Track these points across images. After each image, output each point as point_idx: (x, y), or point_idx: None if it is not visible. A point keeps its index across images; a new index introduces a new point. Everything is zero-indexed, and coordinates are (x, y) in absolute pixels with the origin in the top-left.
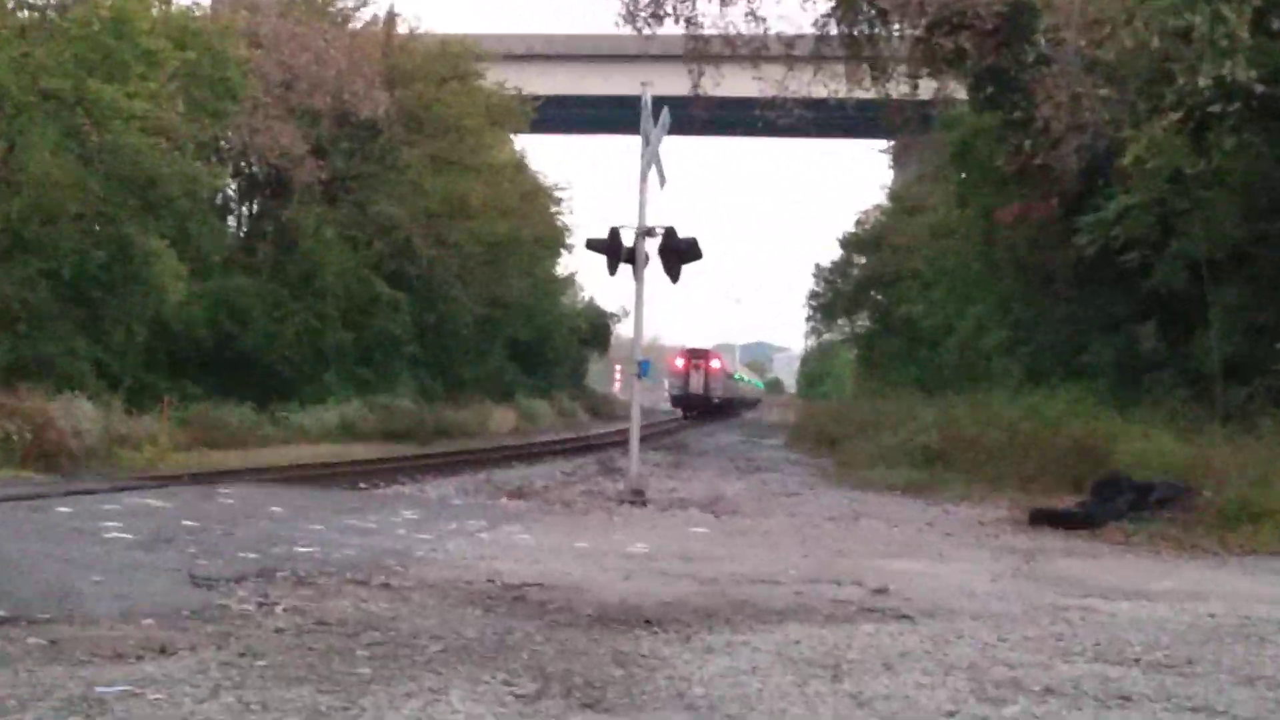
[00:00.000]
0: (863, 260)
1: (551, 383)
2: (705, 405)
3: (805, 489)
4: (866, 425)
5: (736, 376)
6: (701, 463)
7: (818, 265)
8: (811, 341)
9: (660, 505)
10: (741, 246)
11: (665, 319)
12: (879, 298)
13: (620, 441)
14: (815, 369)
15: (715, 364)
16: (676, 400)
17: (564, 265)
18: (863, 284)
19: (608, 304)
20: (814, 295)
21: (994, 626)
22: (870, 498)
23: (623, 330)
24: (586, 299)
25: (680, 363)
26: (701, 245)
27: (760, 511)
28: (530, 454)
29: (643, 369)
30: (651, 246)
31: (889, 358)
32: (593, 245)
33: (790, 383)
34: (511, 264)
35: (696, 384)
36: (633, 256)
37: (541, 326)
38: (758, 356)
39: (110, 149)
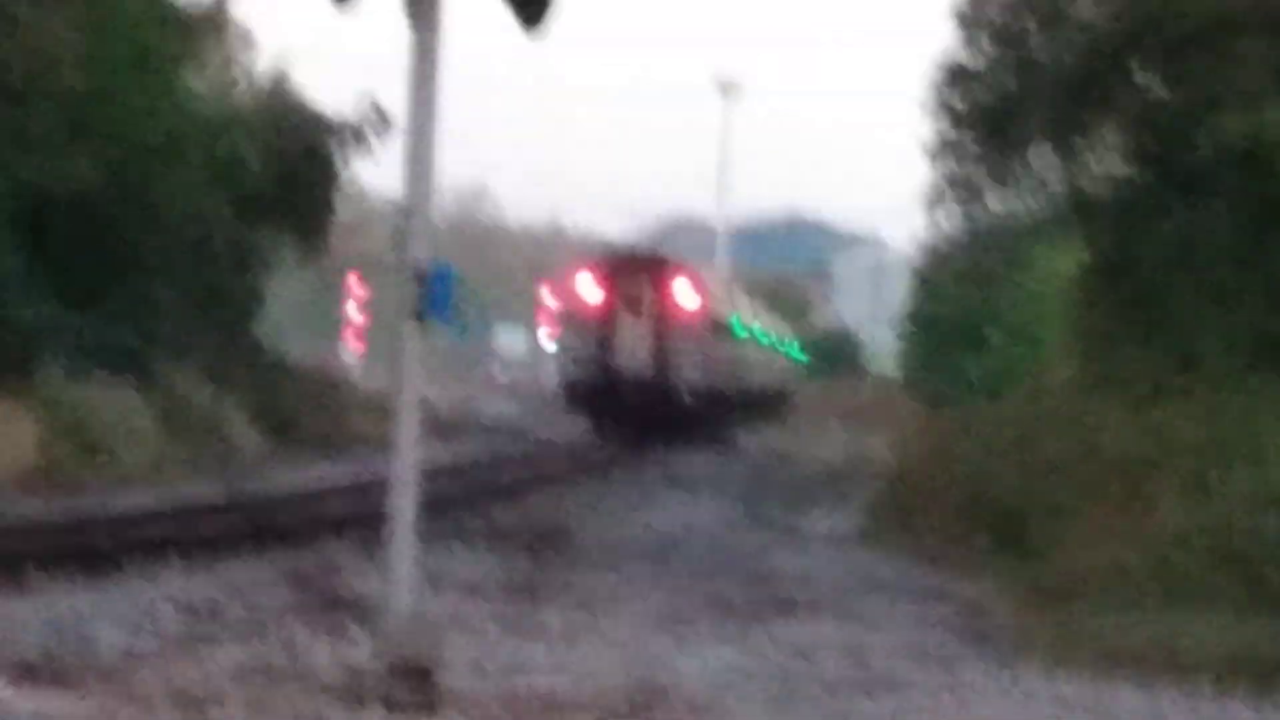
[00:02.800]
0: None
1: (152, 333)
2: (652, 404)
3: (929, 671)
4: (1121, 473)
5: (737, 328)
6: (615, 581)
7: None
8: (939, 222)
9: (478, 716)
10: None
11: (537, 175)
12: (1153, 92)
13: (363, 516)
14: (953, 303)
15: (683, 295)
16: (579, 390)
17: None
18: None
19: (333, 97)
20: (951, 78)
21: None
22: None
23: (382, 178)
24: (261, 77)
25: (592, 292)
26: None
27: None
28: (80, 548)
29: (434, 291)
30: None
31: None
32: None
33: (878, 342)
34: None
35: (632, 348)
36: None
37: (127, 161)
38: (794, 264)
39: None
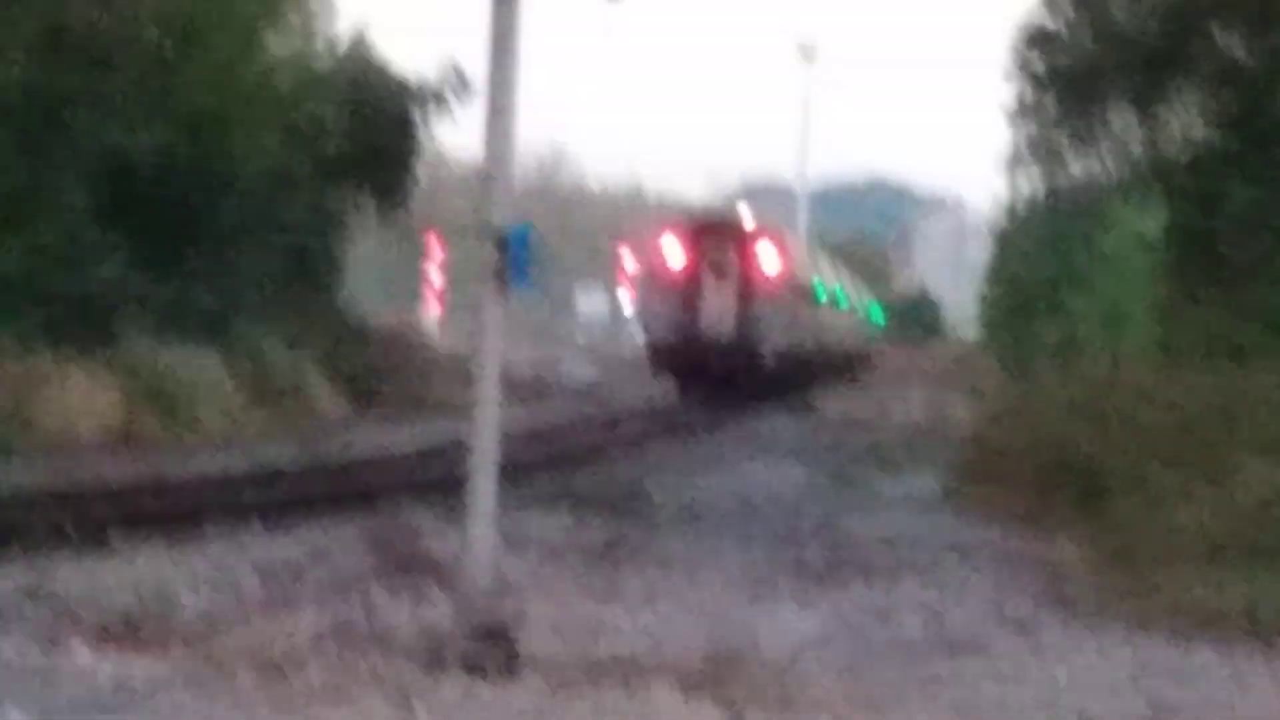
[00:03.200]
0: None
1: (232, 297)
2: (736, 367)
3: (1009, 634)
4: (1201, 436)
5: (819, 291)
6: (694, 545)
7: None
8: (1019, 185)
9: (557, 680)
10: None
11: (619, 134)
12: (1233, 55)
13: (443, 480)
14: (1035, 267)
15: (767, 259)
16: (663, 353)
17: None
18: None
19: (416, 62)
20: (1032, 41)
21: None
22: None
23: (463, 141)
24: (341, 40)
25: (676, 256)
26: None
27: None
28: (159, 513)
29: (515, 254)
30: None
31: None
32: None
33: (958, 305)
34: None
35: (715, 314)
36: None
37: (205, 124)
38: (874, 226)
39: None
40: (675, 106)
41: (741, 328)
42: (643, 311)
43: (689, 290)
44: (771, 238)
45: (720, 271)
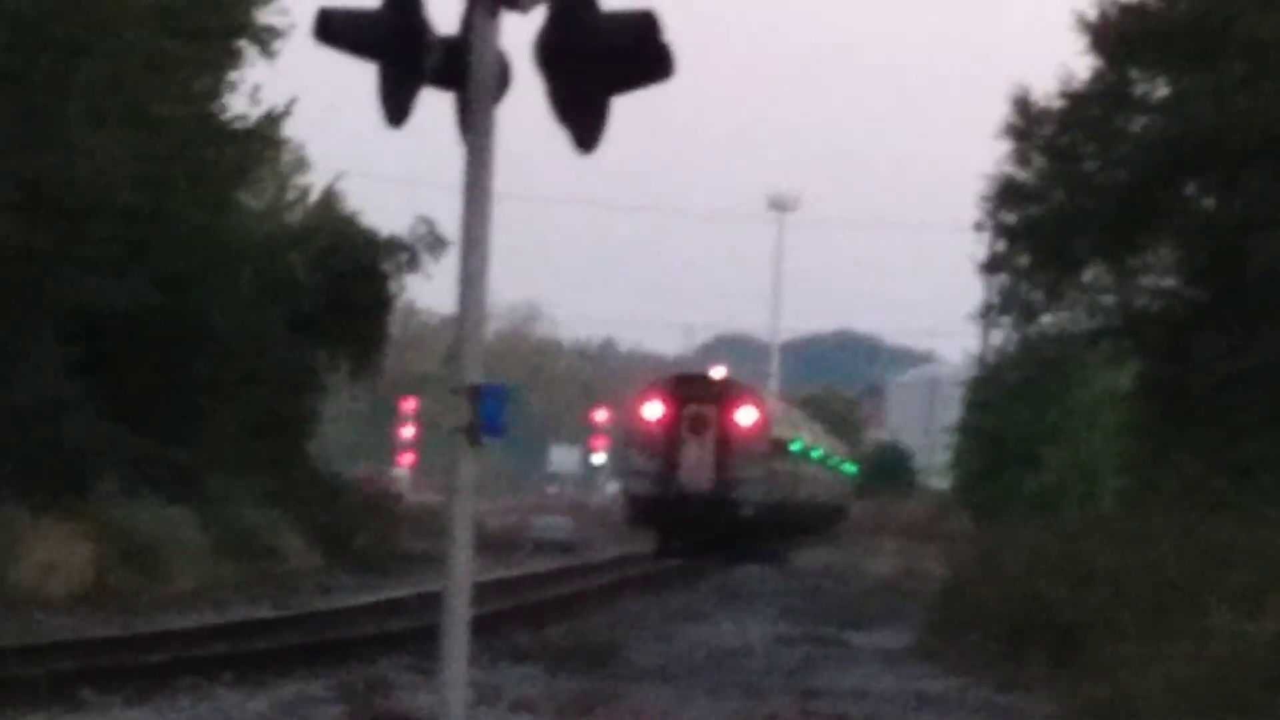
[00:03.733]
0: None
1: (206, 452)
2: (718, 523)
3: None
4: (1175, 588)
5: (796, 447)
6: (667, 696)
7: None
8: (994, 338)
9: None
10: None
11: (601, 295)
12: (1205, 208)
13: (415, 632)
14: (1005, 418)
15: (746, 415)
16: (642, 506)
17: (250, 93)
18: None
19: (389, 219)
20: (1003, 193)
21: None
22: None
23: (434, 297)
24: (314, 198)
25: (654, 409)
26: (669, 48)
27: None
28: (131, 667)
29: (487, 409)
30: (517, 30)
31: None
32: (330, 29)
33: (931, 457)
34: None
35: (696, 467)
36: (457, 58)
37: (181, 279)
38: (846, 380)
39: None
40: (648, 258)
41: (720, 482)
42: (622, 466)
43: (669, 445)
44: (750, 396)
45: (700, 428)
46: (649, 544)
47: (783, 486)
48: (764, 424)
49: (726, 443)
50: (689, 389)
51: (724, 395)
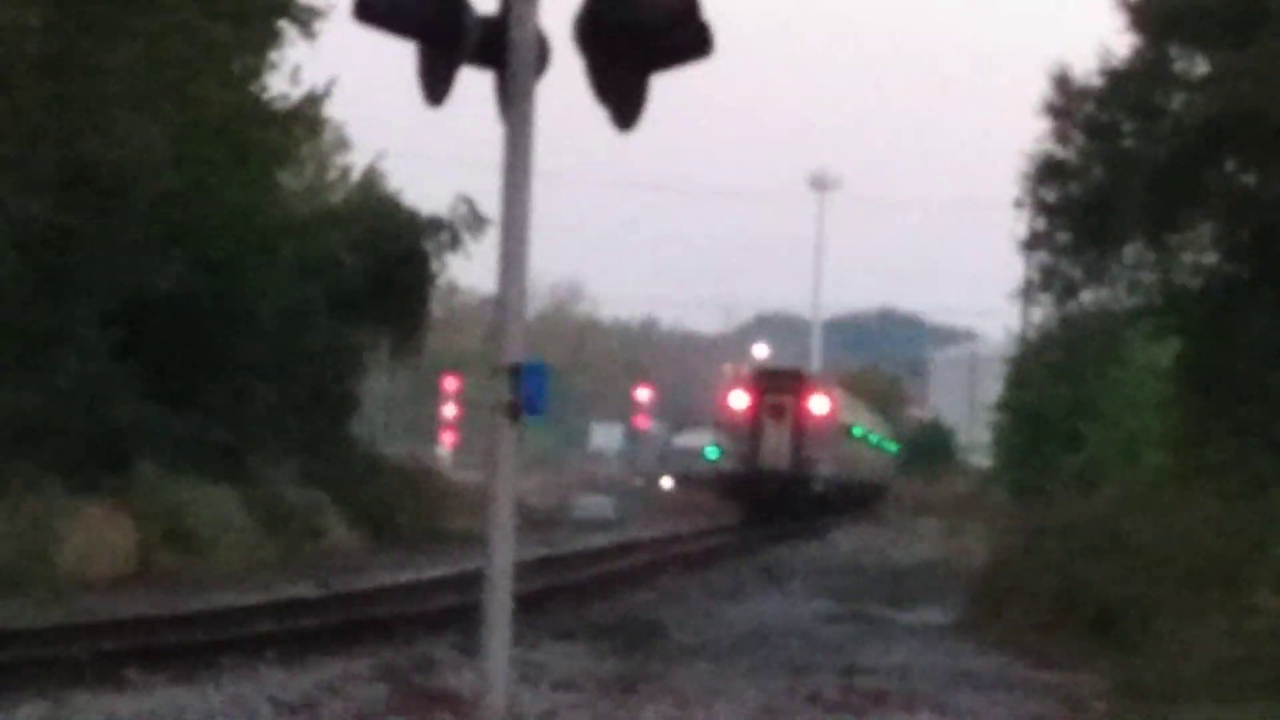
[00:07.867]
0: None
1: (248, 431)
2: (794, 497)
3: None
4: (1216, 566)
5: (856, 430)
6: (709, 675)
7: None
8: (1034, 315)
9: None
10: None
11: (634, 272)
12: (1245, 185)
13: (457, 610)
14: (1046, 395)
15: (818, 404)
16: (733, 481)
17: (291, 73)
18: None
19: (430, 198)
20: (1043, 170)
21: None
22: None
23: (475, 276)
24: (355, 177)
25: (740, 399)
26: (708, 26)
27: None
28: (174, 646)
29: (531, 385)
30: (557, 9)
31: None
32: (369, 9)
33: (972, 434)
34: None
35: (776, 448)
36: (496, 36)
37: (222, 260)
38: (887, 357)
39: None
40: (690, 237)
41: (796, 461)
42: (716, 446)
43: (753, 430)
44: (822, 388)
45: (779, 415)
46: (695, 522)
47: (846, 466)
48: (834, 412)
49: (801, 428)
50: (770, 381)
51: (800, 386)
